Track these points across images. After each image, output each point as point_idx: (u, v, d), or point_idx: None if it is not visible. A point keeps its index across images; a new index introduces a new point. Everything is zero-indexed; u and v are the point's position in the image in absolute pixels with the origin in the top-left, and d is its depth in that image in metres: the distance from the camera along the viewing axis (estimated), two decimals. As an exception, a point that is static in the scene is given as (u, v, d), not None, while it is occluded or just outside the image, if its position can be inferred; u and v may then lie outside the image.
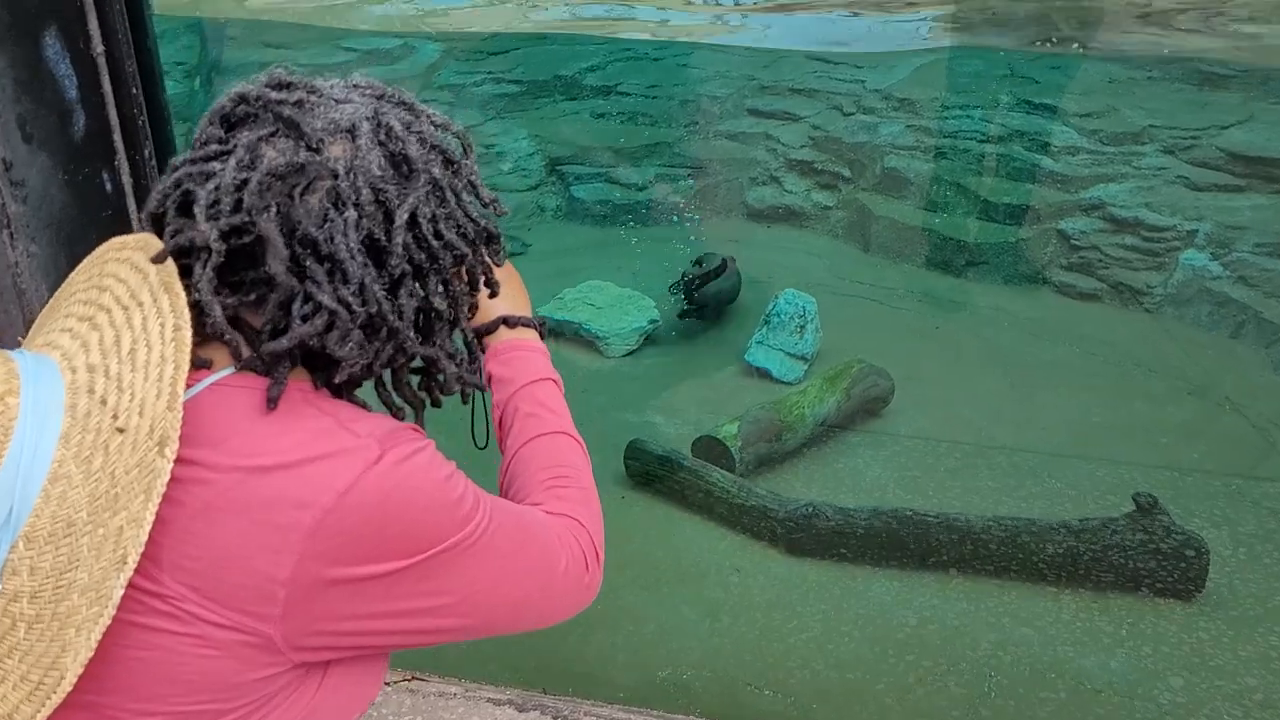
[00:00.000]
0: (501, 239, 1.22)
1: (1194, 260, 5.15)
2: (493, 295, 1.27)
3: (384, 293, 0.99)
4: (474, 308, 1.31)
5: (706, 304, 4.84)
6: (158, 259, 1.00)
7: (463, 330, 1.19)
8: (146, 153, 1.68)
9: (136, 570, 0.86)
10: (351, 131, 0.99)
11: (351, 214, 0.96)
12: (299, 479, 0.92)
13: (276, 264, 0.94)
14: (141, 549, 0.85)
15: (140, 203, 1.65)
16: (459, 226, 1.07)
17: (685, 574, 3.03)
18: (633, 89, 6.96)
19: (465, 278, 1.14)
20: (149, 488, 0.88)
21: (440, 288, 1.08)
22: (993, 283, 5.46)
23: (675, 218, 6.19)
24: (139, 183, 1.70)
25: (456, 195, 1.07)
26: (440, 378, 1.16)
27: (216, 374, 0.99)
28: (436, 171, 1.04)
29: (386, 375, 1.17)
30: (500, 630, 1.12)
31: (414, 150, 1.01)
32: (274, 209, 0.95)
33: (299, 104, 1.00)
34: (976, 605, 2.85)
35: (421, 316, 1.09)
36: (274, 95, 1.00)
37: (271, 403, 0.96)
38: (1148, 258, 5.29)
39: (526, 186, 6.30)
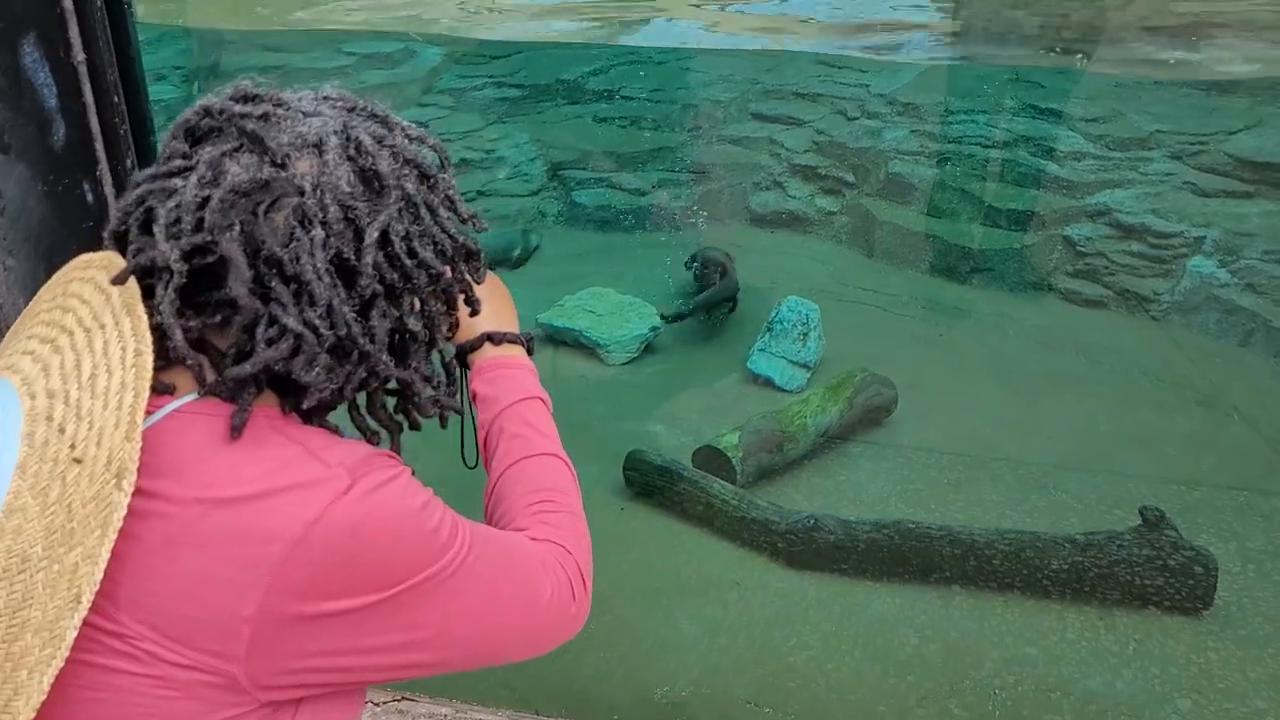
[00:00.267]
0: (482, 255, 1.18)
1: (1202, 267, 5.10)
2: (474, 314, 1.23)
3: (354, 314, 0.95)
4: (455, 326, 1.26)
5: (697, 310, 4.81)
6: (118, 280, 0.96)
7: (440, 351, 1.15)
8: (129, 163, 1.64)
9: (93, 608, 0.82)
10: (319, 146, 0.95)
11: (318, 232, 0.91)
12: (264, 511, 0.88)
13: (239, 285, 0.90)
14: (96, 586, 0.82)
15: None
16: (435, 244, 1.03)
17: (684, 588, 2.98)
18: (635, 93, 6.93)
19: (443, 297, 1.10)
20: (105, 522, 0.84)
21: (415, 308, 1.03)
22: (998, 289, 5.41)
23: (678, 223, 6.15)
24: (121, 194, 1.67)
25: (432, 211, 1.03)
26: (416, 401, 1.12)
27: (179, 400, 0.95)
28: (410, 187, 0.99)
29: (361, 398, 1.13)
30: (481, 664, 1.08)
31: (385, 165, 0.97)
32: (237, 228, 0.91)
33: (264, 117, 0.96)
34: (980, 623, 2.80)
35: (396, 338, 1.05)
36: (238, 109, 0.96)
37: (235, 430, 0.92)
38: (1154, 265, 5.24)
39: (528, 192, 6.26)
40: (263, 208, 0.91)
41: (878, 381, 3.99)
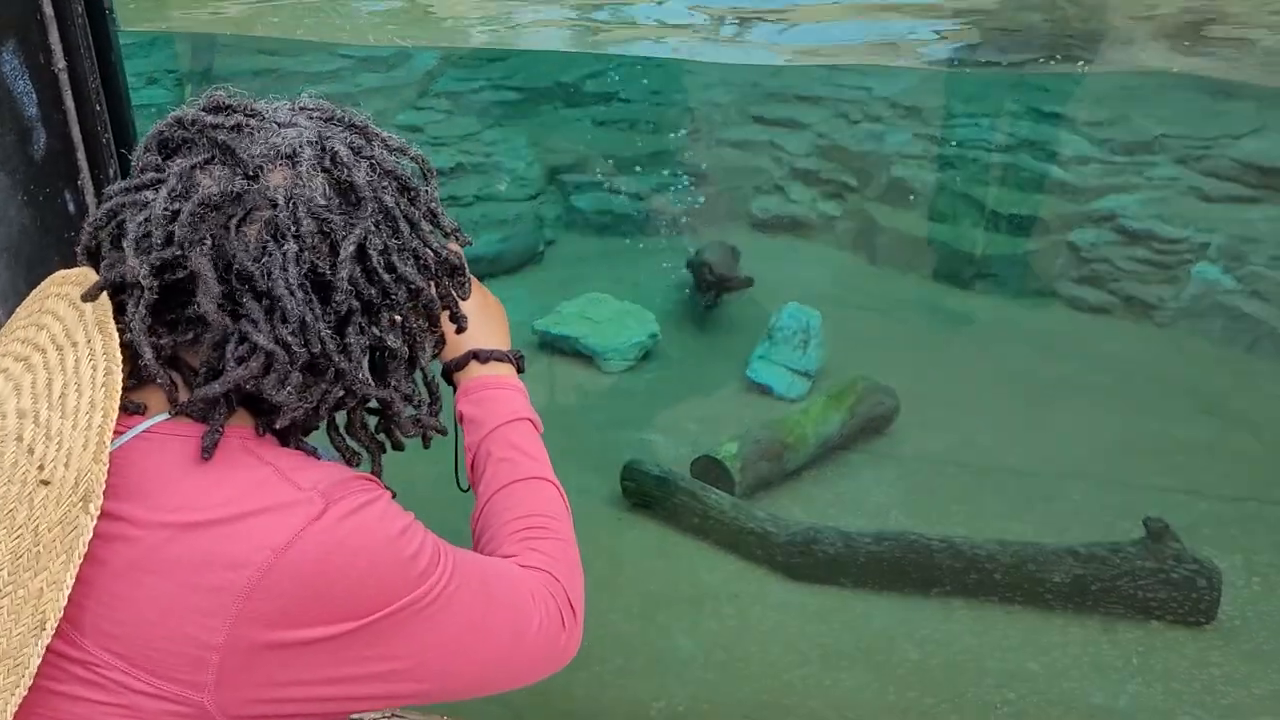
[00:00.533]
0: (465, 270, 1.15)
1: (1207, 273, 5.06)
2: (460, 330, 1.20)
3: (329, 331, 0.92)
4: (440, 343, 1.23)
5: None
6: (88, 296, 0.94)
7: (422, 369, 1.12)
8: (111, 171, 1.62)
9: (58, 635, 0.80)
10: (293, 158, 0.92)
11: (291, 246, 0.89)
12: (232, 536, 0.85)
13: (208, 301, 0.87)
14: (61, 613, 0.80)
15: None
16: (416, 258, 1.00)
17: (681, 600, 2.95)
18: (634, 96, 6.90)
19: (424, 313, 1.07)
20: (71, 546, 0.83)
21: (395, 324, 1.01)
22: (1001, 295, 5.38)
23: (677, 228, 6.12)
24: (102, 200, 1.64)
25: (413, 224, 1.00)
26: (396, 420, 1.09)
27: (149, 420, 0.92)
28: (389, 200, 0.96)
29: (340, 418, 1.10)
30: (464, 695, 1.05)
31: (362, 177, 0.94)
32: (208, 242, 0.88)
33: (237, 128, 0.93)
34: (981, 637, 2.77)
35: (375, 355, 1.02)
36: (210, 119, 0.94)
37: (206, 452, 0.89)
38: (1160, 270, 5.20)
39: (525, 196, 6.23)
40: (234, 221, 0.89)
41: (879, 390, 3.96)
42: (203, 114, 0.94)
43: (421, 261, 1.00)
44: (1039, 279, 5.37)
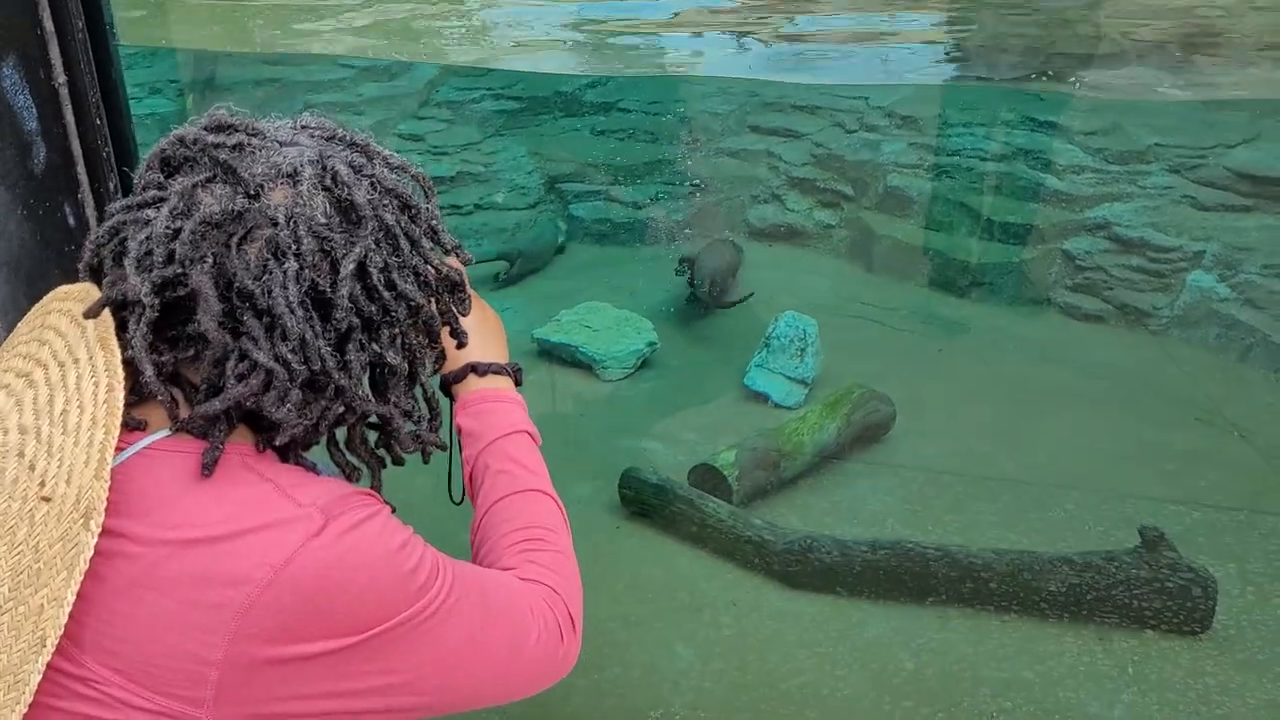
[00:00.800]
0: (466, 286, 1.16)
1: (1201, 281, 5.09)
2: (460, 346, 1.21)
3: (329, 348, 0.93)
4: (441, 359, 1.24)
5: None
6: (90, 313, 0.95)
7: (422, 385, 1.13)
8: (111, 185, 1.63)
9: (57, 652, 0.81)
10: (294, 176, 0.93)
11: (292, 264, 0.90)
12: (232, 553, 0.86)
13: (208, 319, 0.88)
14: (61, 630, 0.80)
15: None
16: (416, 275, 1.01)
17: (678, 609, 2.95)
18: (633, 105, 6.92)
19: (424, 329, 1.08)
20: (72, 563, 0.83)
21: (395, 341, 1.02)
22: (996, 304, 5.40)
23: (675, 236, 6.14)
24: (103, 217, 1.65)
25: (413, 242, 1.01)
26: (396, 436, 1.10)
27: (150, 436, 0.93)
28: (389, 217, 0.97)
29: (340, 433, 1.11)
30: (464, 707, 1.05)
31: (362, 195, 0.95)
32: (209, 260, 0.89)
33: (238, 147, 0.94)
34: (977, 646, 2.77)
35: (375, 371, 1.03)
36: (211, 138, 0.95)
37: (206, 469, 0.90)
38: (1153, 279, 5.22)
39: (525, 205, 6.25)
40: (235, 239, 0.90)
41: (876, 398, 3.97)
42: (204, 133, 0.95)
43: (422, 278, 1.01)
44: (1034, 287, 5.39)
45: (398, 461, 1.13)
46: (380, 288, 0.96)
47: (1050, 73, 5.74)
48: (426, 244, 1.03)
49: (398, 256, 0.99)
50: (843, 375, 4.23)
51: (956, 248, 5.63)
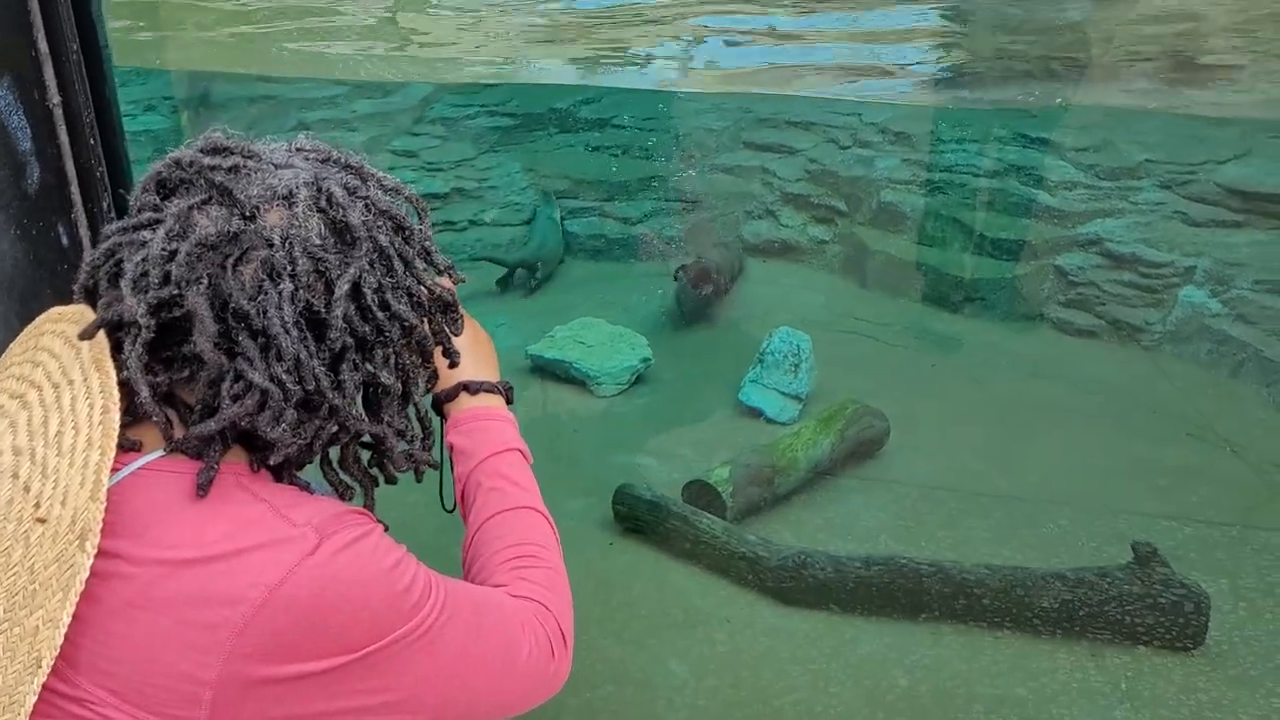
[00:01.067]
0: (458, 306, 1.17)
1: (1193, 297, 5.11)
2: (452, 365, 1.22)
3: (324, 368, 0.94)
4: (433, 378, 1.25)
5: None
6: (85, 335, 0.96)
7: (415, 405, 1.14)
8: (105, 205, 1.64)
9: (53, 673, 0.81)
10: (289, 198, 0.94)
11: (287, 285, 0.91)
12: (226, 573, 0.87)
13: (203, 340, 0.89)
14: (57, 651, 0.81)
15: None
16: (410, 295, 1.02)
17: (672, 625, 2.95)
18: (628, 122, 6.96)
19: (417, 349, 1.09)
20: (67, 584, 0.84)
21: (389, 361, 1.02)
22: (990, 319, 5.42)
23: (670, 253, 6.16)
24: (97, 236, 1.66)
25: (407, 263, 1.02)
26: (389, 455, 1.10)
27: (145, 457, 0.94)
28: (383, 239, 0.98)
29: (334, 452, 1.11)
30: None
31: (357, 217, 0.96)
32: (205, 281, 0.90)
33: (234, 170, 0.96)
34: (970, 663, 2.77)
35: (368, 391, 1.04)
36: (207, 161, 0.96)
37: (201, 489, 0.91)
38: (1146, 294, 5.25)
39: (519, 221, 6.27)
40: (231, 260, 0.91)
41: (869, 414, 3.97)
42: (200, 155, 0.96)
43: (415, 299, 1.02)
44: (1026, 303, 5.42)
45: (391, 480, 1.14)
46: (374, 308, 0.97)
47: (1036, 94, 5.80)
48: (420, 264, 1.05)
49: (391, 277, 1.00)
50: (837, 391, 4.24)
51: (950, 263, 5.66)
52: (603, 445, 4.15)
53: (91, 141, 1.58)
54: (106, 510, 0.86)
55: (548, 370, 4.62)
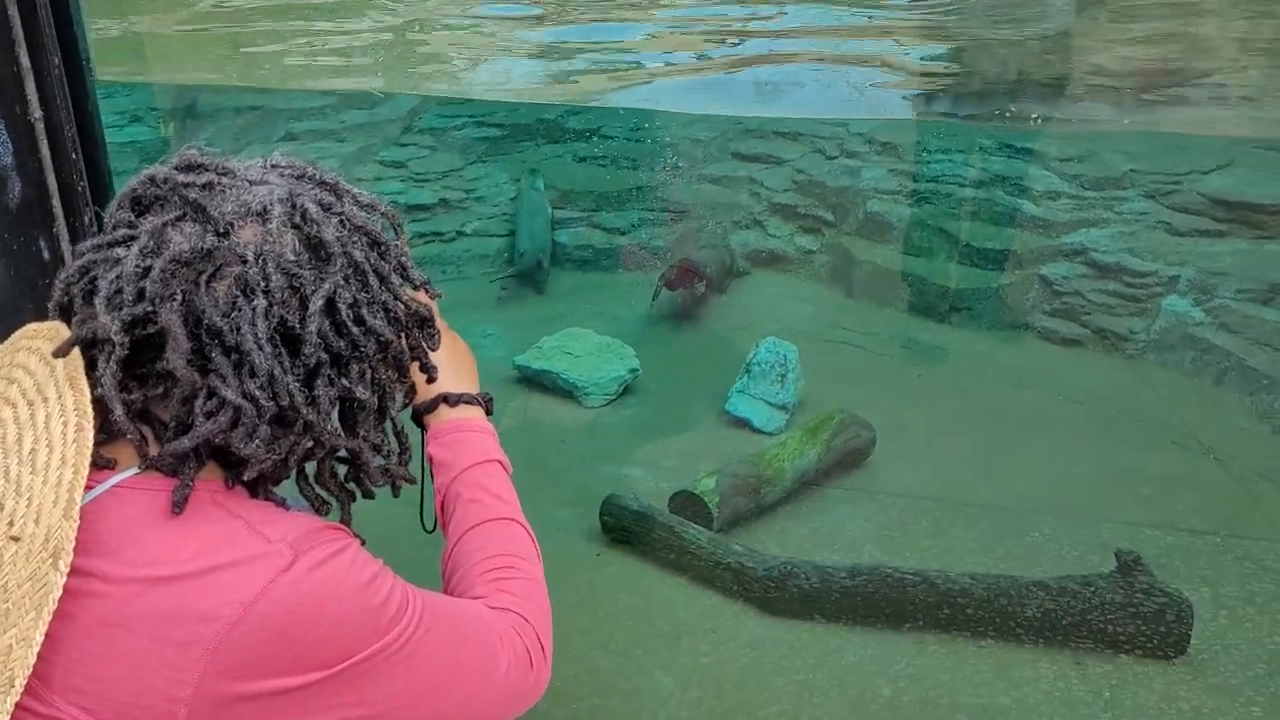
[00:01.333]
0: (435, 322, 1.17)
1: (1176, 306, 5.15)
2: (430, 380, 1.22)
3: (298, 384, 0.94)
4: (411, 393, 1.25)
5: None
6: (59, 352, 0.96)
7: (392, 420, 1.14)
8: (87, 219, 1.64)
9: (26, 691, 0.81)
10: (263, 215, 0.95)
11: (260, 302, 0.91)
12: (201, 590, 0.87)
13: (176, 357, 0.89)
14: (29, 671, 0.81)
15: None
16: (386, 311, 1.02)
17: (658, 636, 2.95)
18: (616, 132, 6.98)
19: (394, 364, 1.09)
20: (40, 603, 0.83)
21: (364, 376, 1.03)
22: (975, 329, 5.44)
23: (657, 263, 6.17)
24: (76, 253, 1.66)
25: (382, 278, 1.02)
26: (366, 470, 1.11)
27: (120, 475, 0.94)
28: (358, 255, 0.99)
29: (310, 467, 1.11)
30: None
31: (331, 233, 0.97)
32: (179, 298, 0.90)
33: (208, 186, 0.96)
34: (954, 672, 2.78)
35: (345, 406, 1.04)
36: (181, 178, 0.96)
37: (176, 506, 0.91)
38: (1130, 303, 5.28)
39: (506, 231, 6.28)
40: (204, 277, 0.91)
41: (856, 423, 3.99)
42: (175, 172, 0.97)
43: (391, 314, 1.03)
44: (1012, 312, 5.44)
45: (367, 495, 1.14)
46: (349, 323, 0.97)
47: (1010, 112, 5.84)
48: (396, 280, 1.05)
49: (366, 292, 1.00)
50: (823, 401, 4.25)
51: (936, 273, 5.68)
52: (590, 456, 4.15)
53: (73, 155, 1.58)
54: (80, 528, 0.85)
55: (535, 381, 4.63)
